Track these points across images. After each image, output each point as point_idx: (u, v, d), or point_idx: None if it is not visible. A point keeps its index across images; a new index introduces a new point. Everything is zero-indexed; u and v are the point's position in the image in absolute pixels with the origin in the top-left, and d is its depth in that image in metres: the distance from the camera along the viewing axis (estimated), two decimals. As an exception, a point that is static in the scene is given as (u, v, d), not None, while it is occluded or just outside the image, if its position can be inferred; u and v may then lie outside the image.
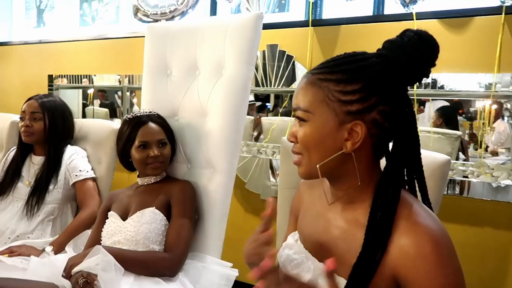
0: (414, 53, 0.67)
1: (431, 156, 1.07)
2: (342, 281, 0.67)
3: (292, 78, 2.12)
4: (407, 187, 0.73)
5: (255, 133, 2.26)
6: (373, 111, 0.66)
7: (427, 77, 0.70)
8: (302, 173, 0.74)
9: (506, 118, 1.67)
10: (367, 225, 0.66)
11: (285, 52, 2.11)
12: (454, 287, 0.62)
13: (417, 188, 0.73)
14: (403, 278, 0.63)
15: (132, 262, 1.22)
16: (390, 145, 0.72)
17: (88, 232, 1.50)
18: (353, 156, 0.68)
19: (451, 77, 1.74)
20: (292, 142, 0.73)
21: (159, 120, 1.44)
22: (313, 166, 0.70)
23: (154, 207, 1.33)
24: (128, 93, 2.71)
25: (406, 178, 0.72)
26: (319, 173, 0.70)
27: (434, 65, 0.69)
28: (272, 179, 2.23)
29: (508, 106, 1.66)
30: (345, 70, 0.68)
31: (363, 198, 0.70)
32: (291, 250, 0.80)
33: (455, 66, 1.71)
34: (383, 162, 0.73)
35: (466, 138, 1.75)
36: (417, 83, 0.72)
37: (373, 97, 0.66)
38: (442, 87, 1.76)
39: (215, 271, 1.33)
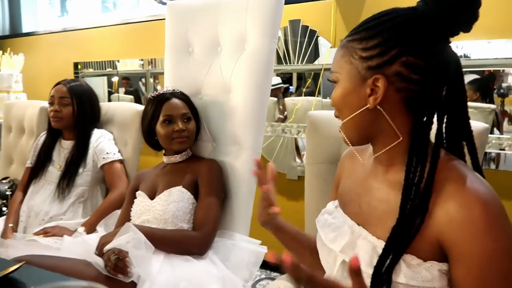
0: (448, 4, 0.63)
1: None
2: (381, 244, 0.65)
3: (315, 55, 2.06)
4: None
5: (281, 116, 2.23)
6: (394, 63, 0.64)
7: (466, 31, 0.66)
8: (344, 139, 0.74)
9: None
10: (403, 185, 0.64)
11: (308, 27, 2.05)
12: (505, 253, 0.58)
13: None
14: (449, 243, 0.60)
15: (161, 240, 1.23)
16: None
17: (118, 212, 1.52)
18: (382, 111, 0.66)
19: (484, 45, 1.64)
20: (333, 106, 0.74)
21: (183, 96, 1.44)
22: (345, 128, 0.71)
23: (181, 186, 1.33)
24: (151, 80, 2.72)
25: (454, 143, 0.69)
26: (353, 134, 0.70)
27: (474, 17, 0.65)
28: (297, 159, 2.20)
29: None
30: (367, 27, 0.68)
31: (404, 159, 0.67)
32: (330, 215, 0.79)
33: (490, 33, 1.61)
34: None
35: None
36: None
37: (394, 49, 0.64)
38: (467, 56, 1.66)
39: (244, 249, 1.32)
